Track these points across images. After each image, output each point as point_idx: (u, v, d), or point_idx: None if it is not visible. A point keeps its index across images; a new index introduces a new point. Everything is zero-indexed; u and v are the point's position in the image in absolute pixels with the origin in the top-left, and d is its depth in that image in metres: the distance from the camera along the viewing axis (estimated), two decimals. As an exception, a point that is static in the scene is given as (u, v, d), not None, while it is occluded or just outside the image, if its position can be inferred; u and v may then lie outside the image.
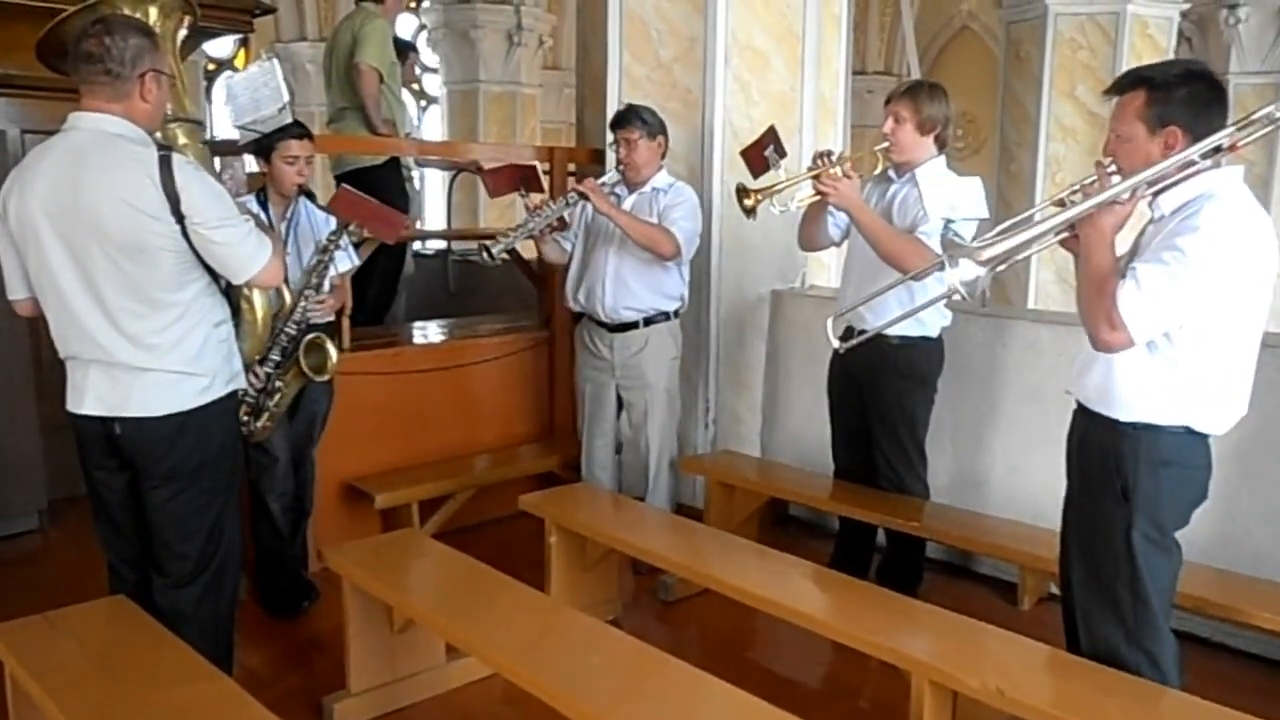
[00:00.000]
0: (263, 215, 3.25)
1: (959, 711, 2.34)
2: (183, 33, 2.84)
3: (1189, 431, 2.21)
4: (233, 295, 2.78)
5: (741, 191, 3.33)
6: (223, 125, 7.83)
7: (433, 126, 13.24)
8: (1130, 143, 2.18)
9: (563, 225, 3.81)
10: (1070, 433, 2.45)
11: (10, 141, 4.21)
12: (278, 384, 3.23)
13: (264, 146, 3.39)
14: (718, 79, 4.30)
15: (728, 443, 4.56)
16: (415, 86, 12.25)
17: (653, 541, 3.22)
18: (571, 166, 4.65)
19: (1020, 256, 2.24)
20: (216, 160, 3.64)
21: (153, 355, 2.43)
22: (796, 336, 4.42)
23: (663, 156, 3.81)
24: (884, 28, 14.45)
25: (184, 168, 2.37)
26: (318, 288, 3.29)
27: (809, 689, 3.23)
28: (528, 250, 4.24)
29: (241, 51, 13.54)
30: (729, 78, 4.33)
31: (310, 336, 3.27)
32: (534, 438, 4.66)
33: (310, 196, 3.52)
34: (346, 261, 3.52)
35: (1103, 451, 2.28)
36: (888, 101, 3.31)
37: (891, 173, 3.37)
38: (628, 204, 3.76)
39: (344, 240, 3.38)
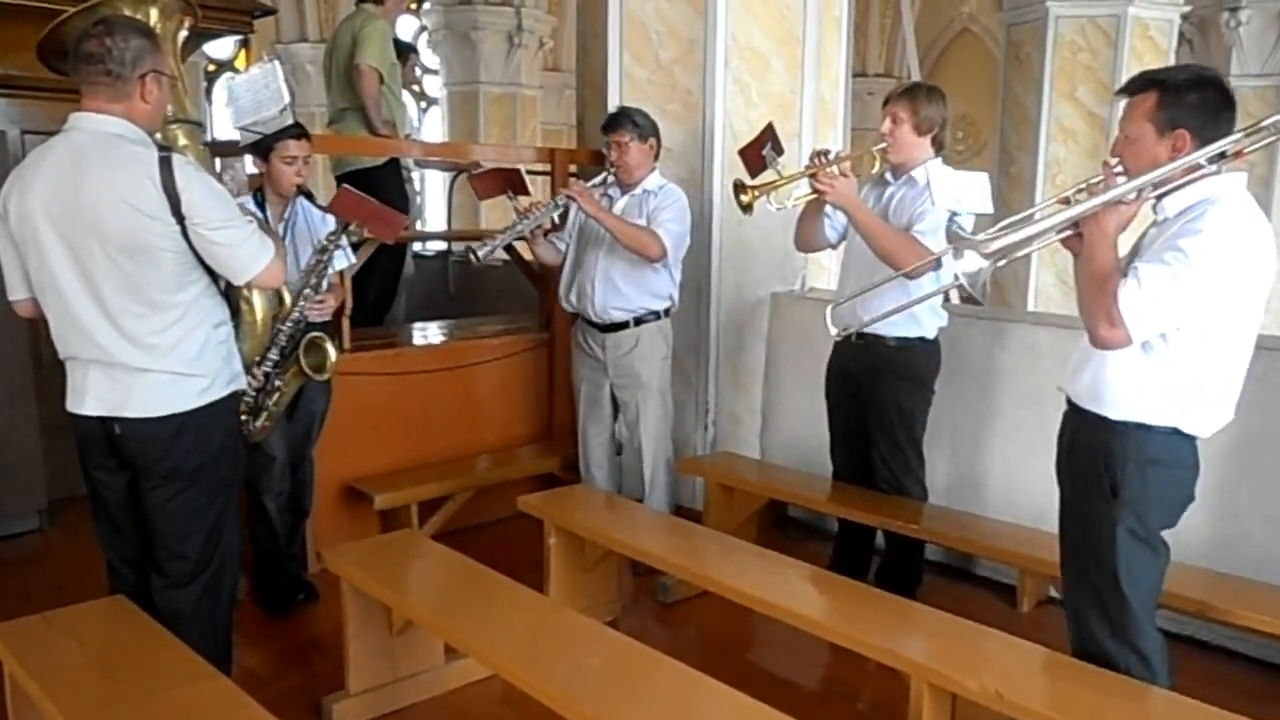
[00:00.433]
0: (260, 215, 3.26)
1: (958, 714, 2.34)
2: (183, 34, 2.84)
3: (1176, 432, 2.24)
4: (232, 296, 2.78)
5: (739, 188, 3.34)
6: (223, 126, 7.84)
7: (433, 128, 13.26)
8: (1138, 144, 2.21)
9: (558, 226, 3.82)
10: (1061, 432, 2.47)
11: (10, 142, 4.21)
12: (276, 383, 3.23)
13: (262, 147, 3.39)
14: (718, 81, 4.30)
15: (727, 444, 4.56)
16: (416, 88, 12.25)
17: (652, 543, 3.21)
18: (573, 168, 4.66)
19: (1023, 252, 2.27)
20: (216, 161, 3.65)
21: (152, 356, 2.43)
22: (796, 339, 4.42)
23: (656, 158, 3.82)
24: (884, 30, 14.48)
25: (184, 168, 2.38)
26: (316, 288, 3.29)
27: (808, 691, 3.23)
28: (529, 251, 4.25)
29: (242, 53, 13.56)
30: (729, 80, 4.33)
31: (310, 336, 3.27)
32: (534, 439, 4.66)
33: (309, 197, 3.52)
34: (343, 260, 3.52)
35: (1092, 449, 2.31)
36: (885, 103, 3.34)
37: (888, 175, 3.40)
38: (619, 205, 3.79)
39: (342, 240, 3.38)
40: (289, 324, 3.22)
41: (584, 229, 3.84)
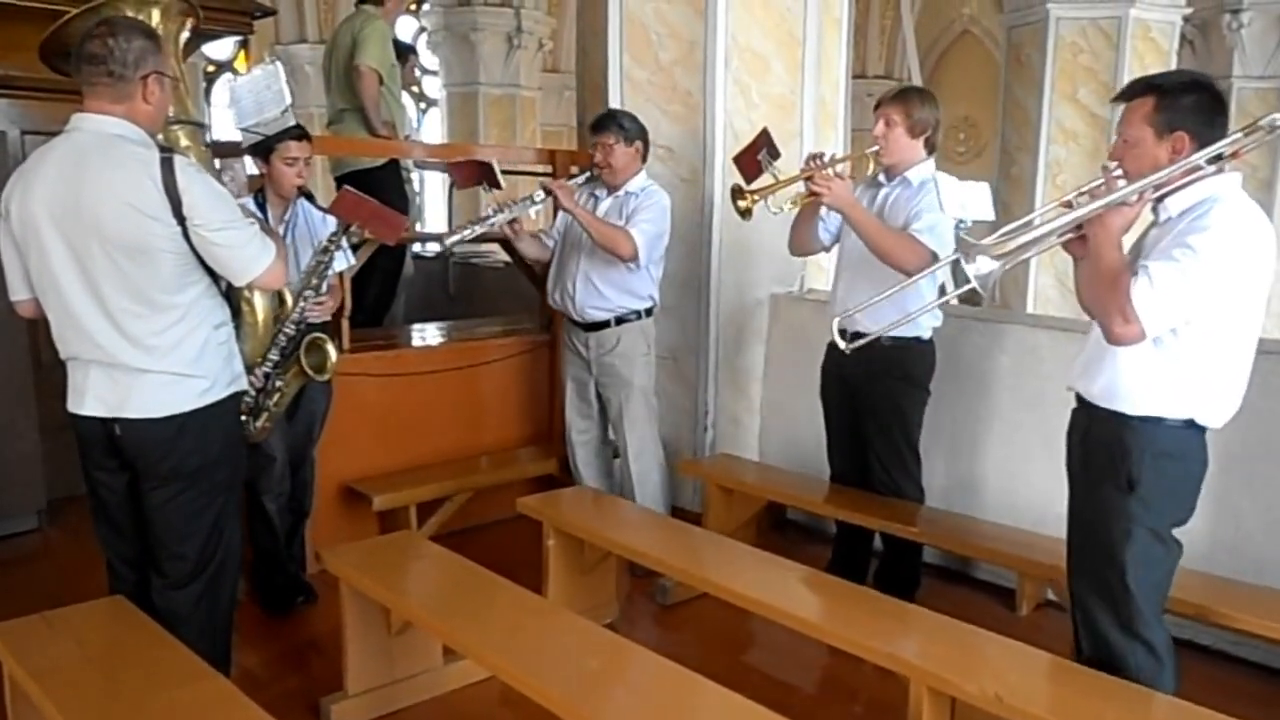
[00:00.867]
0: (260, 216, 3.26)
1: (957, 717, 2.34)
2: (185, 35, 2.84)
3: (1190, 424, 2.28)
4: (233, 297, 2.78)
5: (736, 193, 3.35)
6: (222, 127, 7.84)
7: (433, 129, 13.27)
8: (1138, 147, 2.26)
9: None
10: (1070, 429, 2.50)
11: (11, 143, 4.21)
12: (277, 384, 3.23)
13: (264, 148, 3.40)
14: (718, 82, 4.31)
15: (726, 446, 4.56)
16: (415, 89, 12.26)
17: (651, 545, 3.21)
18: (574, 169, 4.66)
19: (1028, 255, 2.31)
20: (217, 162, 3.64)
21: (153, 356, 2.43)
22: (795, 340, 4.43)
23: (643, 161, 3.83)
24: (884, 31, 14.50)
25: (186, 169, 2.38)
26: (317, 289, 3.29)
27: (806, 693, 3.23)
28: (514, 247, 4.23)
29: (241, 53, 13.56)
30: (729, 81, 4.33)
31: (311, 336, 3.27)
32: (533, 440, 4.66)
33: (309, 198, 3.53)
34: (342, 261, 3.52)
35: (1107, 445, 2.34)
36: (878, 106, 3.36)
37: (881, 177, 3.42)
38: (604, 206, 3.81)
39: (341, 241, 3.39)
40: (290, 325, 3.22)
41: (569, 230, 3.87)
